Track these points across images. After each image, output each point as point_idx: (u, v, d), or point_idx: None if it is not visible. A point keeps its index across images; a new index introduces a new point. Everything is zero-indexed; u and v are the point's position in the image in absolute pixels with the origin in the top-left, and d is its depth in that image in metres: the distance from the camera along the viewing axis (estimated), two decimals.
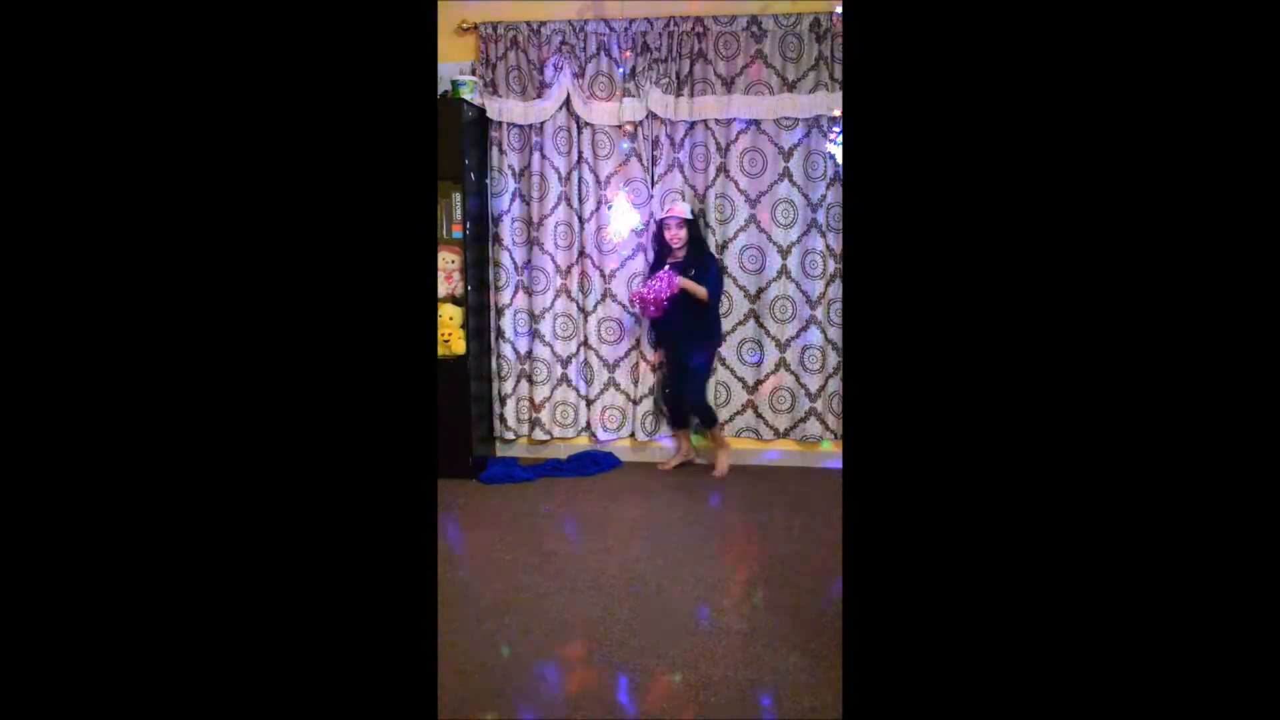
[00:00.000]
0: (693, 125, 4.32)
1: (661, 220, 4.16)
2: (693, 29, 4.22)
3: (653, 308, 4.03)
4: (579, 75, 4.32)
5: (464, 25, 4.39)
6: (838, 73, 4.17)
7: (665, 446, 4.61)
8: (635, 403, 4.54)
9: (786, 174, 4.28)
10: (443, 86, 4.29)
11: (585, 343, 4.55)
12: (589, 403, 4.60)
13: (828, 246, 4.32)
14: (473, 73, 4.40)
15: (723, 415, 4.45)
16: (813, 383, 4.42)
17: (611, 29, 4.28)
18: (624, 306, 4.47)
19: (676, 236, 4.11)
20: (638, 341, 4.52)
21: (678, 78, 4.26)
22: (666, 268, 4.08)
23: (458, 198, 4.21)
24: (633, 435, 4.59)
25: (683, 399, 4.32)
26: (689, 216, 4.13)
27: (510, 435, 4.66)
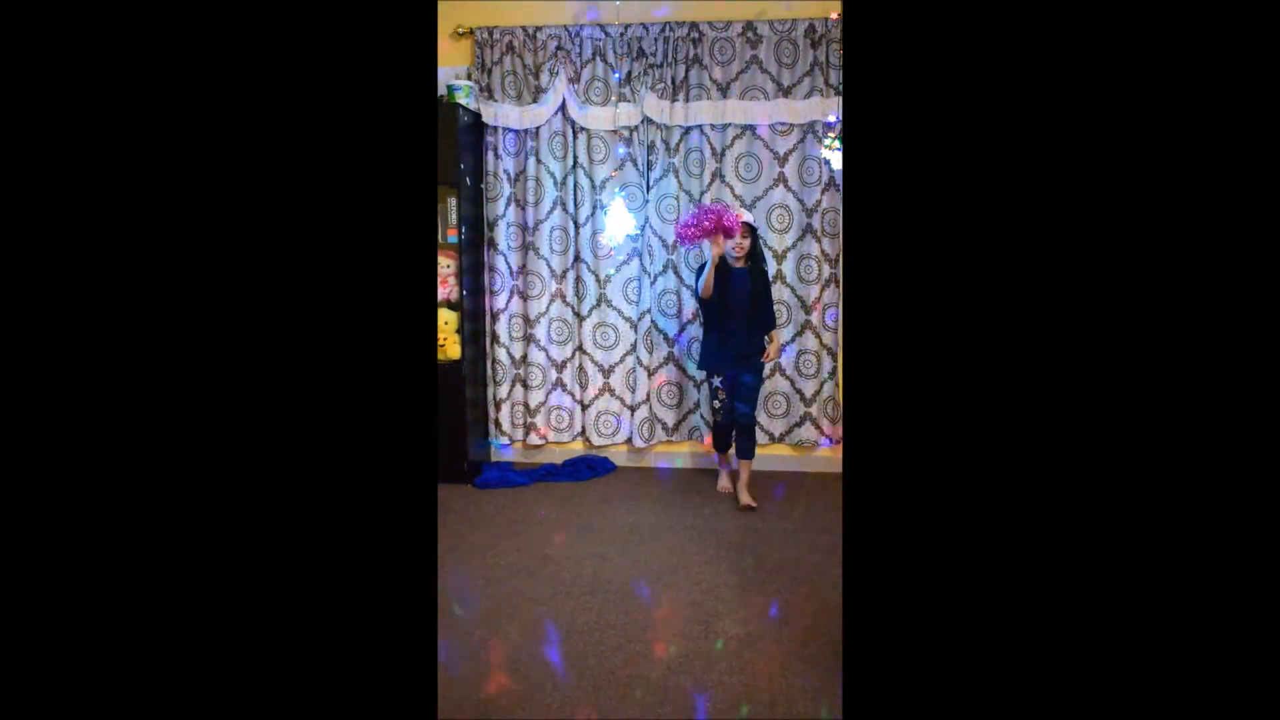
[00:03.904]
0: (688, 130, 4.32)
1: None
2: (688, 34, 4.23)
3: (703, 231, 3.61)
4: (575, 80, 4.33)
5: (460, 30, 4.39)
6: (833, 78, 4.19)
7: (673, 451, 4.61)
8: (631, 409, 4.54)
9: (782, 179, 4.29)
10: (438, 91, 4.29)
11: (580, 348, 4.54)
12: (584, 407, 4.59)
13: (823, 251, 4.33)
14: (468, 77, 4.40)
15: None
16: (808, 387, 4.43)
17: (607, 34, 4.29)
18: (619, 312, 4.47)
19: (741, 246, 3.76)
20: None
21: (673, 83, 4.27)
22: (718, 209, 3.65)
23: (453, 202, 4.20)
24: (628, 440, 4.58)
25: (735, 414, 3.92)
26: (753, 223, 3.86)
27: (505, 440, 4.65)
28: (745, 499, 3.91)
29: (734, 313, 3.81)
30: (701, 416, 4.49)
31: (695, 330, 4.40)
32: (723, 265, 3.78)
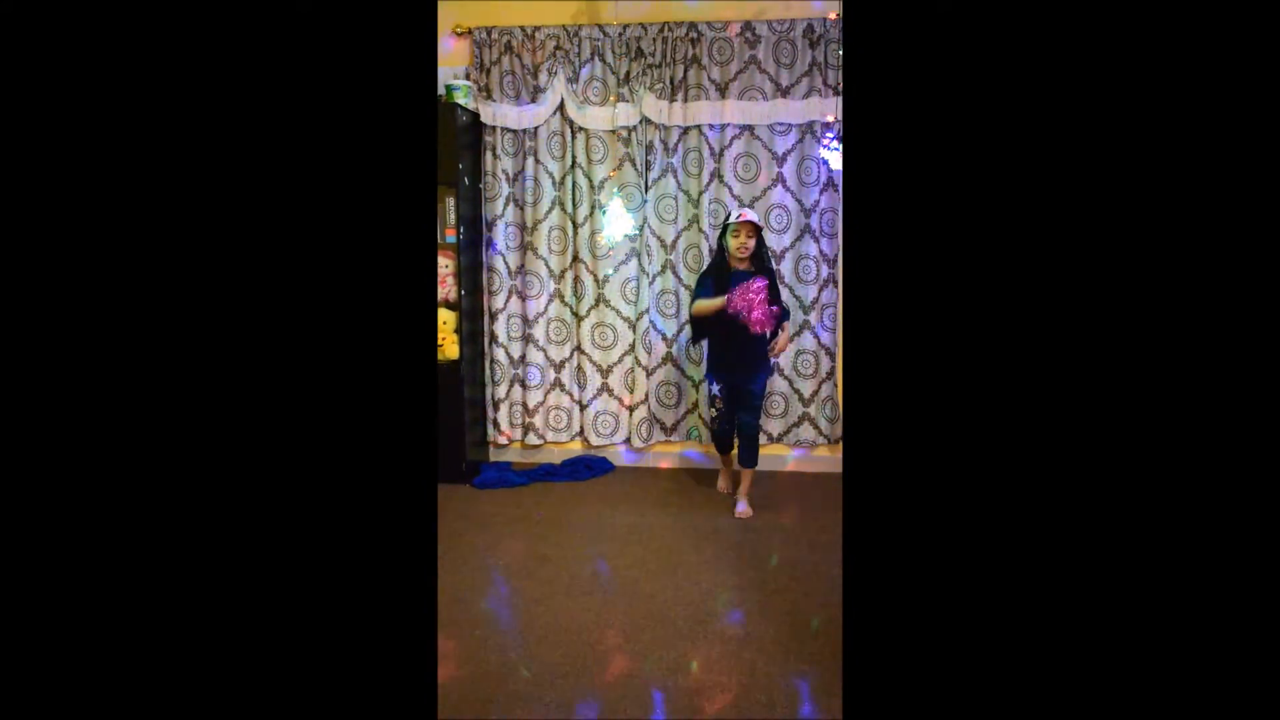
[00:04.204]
0: (686, 130, 4.32)
1: (727, 226, 3.67)
2: (686, 34, 4.23)
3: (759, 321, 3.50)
4: (573, 80, 4.33)
5: (458, 29, 4.39)
6: (831, 78, 4.19)
7: (670, 451, 4.61)
8: (629, 408, 4.54)
9: (780, 179, 4.29)
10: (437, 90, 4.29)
11: (578, 348, 4.55)
12: (582, 407, 4.59)
13: (821, 252, 4.33)
14: (467, 77, 4.40)
15: None
16: (806, 387, 4.43)
17: (605, 34, 4.29)
18: (617, 312, 4.47)
19: (746, 246, 3.63)
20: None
21: (672, 83, 4.27)
22: (758, 283, 3.51)
23: (451, 202, 4.20)
24: (627, 440, 4.58)
25: (739, 423, 3.79)
26: (759, 222, 3.69)
27: (503, 440, 4.65)
28: (742, 508, 3.81)
29: (737, 319, 3.69)
30: (701, 417, 4.48)
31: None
32: (725, 267, 3.70)
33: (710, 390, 3.83)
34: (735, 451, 3.90)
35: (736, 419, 3.80)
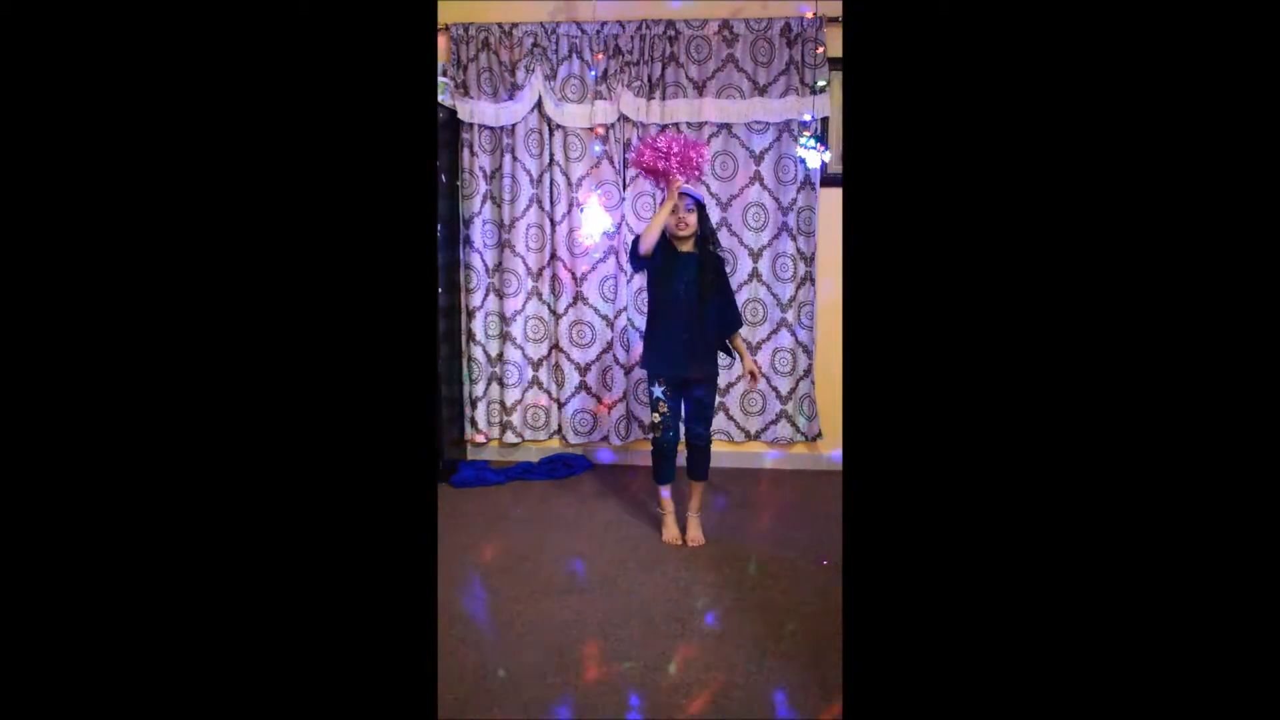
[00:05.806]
0: (664, 128, 4.32)
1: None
2: (664, 32, 4.23)
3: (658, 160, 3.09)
4: (550, 77, 4.32)
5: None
6: (808, 77, 4.21)
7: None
8: (608, 407, 4.53)
9: (757, 177, 4.30)
10: None
11: (556, 346, 4.53)
12: (560, 405, 4.58)
13: (798, 250, 4.35)
14: (444, 74, 4.37)
15: None
16: (783, 385, 4.44)
17: (583, 32, 4.28)
18: (595, 310, 4.46)
19: (685, 221, 3.15)
20: (610, 347, 4.50)
21: (649, 81, 4.27)
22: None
23: None
24: (605, 438, 4.58)
25: (690, 435, 3.35)
26: (700, 197, 3.24)
27: (481, 439, 4.63)
28: (694, 533, 3.39)
29: (678, 309, 3.20)
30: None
31: None
32: (666, 245, 3.21)
33: (653, 391, 3.30)
34: (684, 467, 3.44)
35: (687, 430, 3.34)
